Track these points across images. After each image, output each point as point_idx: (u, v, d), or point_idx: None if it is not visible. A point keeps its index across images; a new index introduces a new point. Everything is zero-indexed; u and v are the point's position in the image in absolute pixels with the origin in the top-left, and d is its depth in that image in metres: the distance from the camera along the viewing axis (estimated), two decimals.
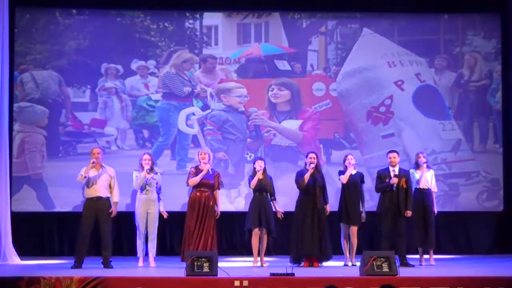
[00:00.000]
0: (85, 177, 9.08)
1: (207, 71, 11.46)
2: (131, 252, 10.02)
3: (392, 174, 9.43)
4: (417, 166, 9.57)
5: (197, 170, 9.35)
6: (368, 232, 10.63)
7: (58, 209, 11.02)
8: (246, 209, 9.68)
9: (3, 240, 9.89)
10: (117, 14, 11.38)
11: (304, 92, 11.46)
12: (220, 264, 8.14)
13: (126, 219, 9.98)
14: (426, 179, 9.54)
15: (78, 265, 9.00)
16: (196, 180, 9.28)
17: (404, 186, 9.40)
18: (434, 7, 11.56)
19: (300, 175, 9.42)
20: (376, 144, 11.35)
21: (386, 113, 11.44)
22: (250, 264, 9.48)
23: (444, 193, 11.28)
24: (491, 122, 11.65)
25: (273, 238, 9.60)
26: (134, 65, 11.38)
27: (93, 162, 9.12)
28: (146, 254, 9.37)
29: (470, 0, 11.57)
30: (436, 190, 9.80)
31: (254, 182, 9.38)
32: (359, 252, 9.00)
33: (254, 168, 9.46)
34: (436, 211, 9.66)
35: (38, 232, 11.08)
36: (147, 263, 9.30)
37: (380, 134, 11.40)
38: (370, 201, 10.31)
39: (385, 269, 8.00)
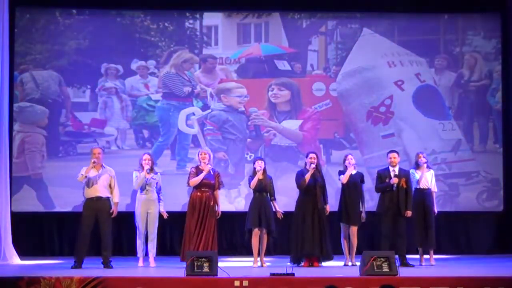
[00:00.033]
0: (86, 177, 9.09)
1: (207, 71, 11.46)
2: (131, 252, 10.02)
3: (392, 174, 9.43)
4: (417, 166, 9.57)
5: (198, 170, 9.35)
6: (368, 232, 10.63)
7: (58, 209, 11.02)
8: (246, 209, 9.68)
9: (3, 240, 9.89)
10: (117, 14, 11.39)
11: (304, 92, 11.46)
12: (220, 264, 8.14)
13: (126, 219, 9.98)
14: (426, 179, 9.54)
15: (78, 265, 9.00)
16: (197, 180, 9.28)
17: (404, 186, 9.40)
18: (434, 7, 11.56)
19: (300, 175, 9.42)
20: (376, 144, 11.35)
21: (386, 113, 11.44)
22: (250, 264, 9.48)
23: (444, 193, 11.28)
24: (491, 122, 11.65)
25: (273, 238, 9.60)
26: (134, 65, 11.38)
27: (94, 162, 9.13)
28: (146, 254, 9.37)
29: (470, 0, 11.57)
30: (436, 190, 9.80)
31: (254, 182, 9.38)
32: (359, 252, 9.00)
33: (254, 168, 9.46)
34: (436, 211, 9.67)
35: (38, 232, 11.08)
36: (147, 263, 9.30)
37: (380, 134, 11.40)
38: (370, 201, 10.31)
39: (385, 269, 8.00)
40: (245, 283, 7.68)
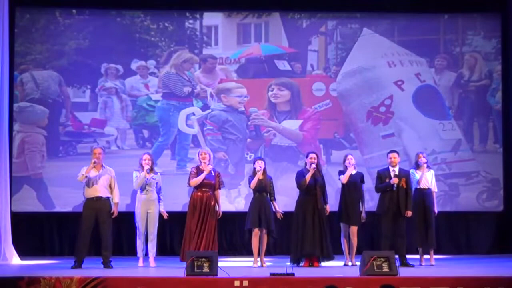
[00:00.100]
0: (86, 176, 9.09)
1: (207, 71, 11.46)
2: (131, 252, 10.02)
3: (392, 174, 9.43)
4: (417, 166, 9.57)
5: (198, 170, 9.36)
6: (368, 232, 10.64)
7: (58, 209, 11.02)
8: (246, 209, 9.68)
9: (3, 240, 9.89)
10: (117, 14, 11.38)
11: (304, 92, 11.46)
12: (220, 264, 8.14)
13: (126, 219, 9.98)
14: (427, 179, 9.55)
15: (78, 265, 9.00)
16: (197, 180, 9.28)
17: (404, 186, 9.40)
18: (434, 7, 11.56)
19: (300, 175, 9.42)
20: (376, 144, 11.35)
21: (386, 113, 11.44)
22: (250, 264, 9.48)
23: (444, 193, 11.28)
24: (491, 122, 11.65)
25: (273, 238, 9.60)
26: (134, 65, 11.38)
27: (95, 162, 9.13)
28: (146, 254, 9.37)
29: (470, 0, 11.56)
30: (436, 190, 9.80)
31: (254, 182, 9.38)
32: (359, 252, 9.00)
33: (254, 168, 9.46)
34: (436, 211, 9.67)
35: (38, 232, 11.08)
36: (147, 263, 9.30)
37: (380, 134, 11.40)
38: (370, 201, 10.31)
39: (385, 269, 8.00)
40: (245, 283, 7.69)
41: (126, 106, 11.37)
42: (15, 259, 9.95)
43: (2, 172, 10.02)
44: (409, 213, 9.40)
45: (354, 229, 9.55)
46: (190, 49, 11.46)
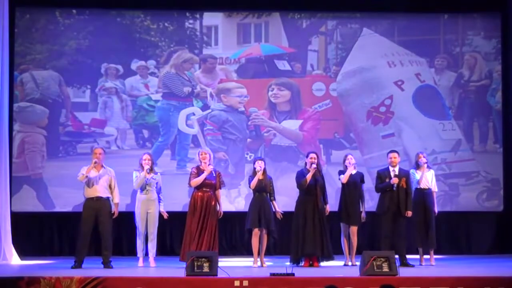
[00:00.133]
0: (86, 176, 9.09)
1: (207, 71, 11.46)
2: (131, 252, 10.03)
3: (392, 174, 9.44)
4: (417, 166, 9.57)
5: (198, 171, 9.36)
6: (368, 232, 10.64)
7: (58, 209, 11.02)
8: (246, 209, 9.68)
9: (3, 240, 9.89)
10: (117, 14, 11.38)
11: (304, 92, 11.46)
12: (220, 264, 8.14)
13: (126, 219, 9.97)
14: (427, 179, 9.55)
15: (78, 265, 9.00)
16: (198, 181, 9.28)
17: (404, 186, 9.40)
18: (434, 7, 11.56)
19: (301, 175, 9.42)
20: (376, 144, 11.35)
21: (386, 113, 11.44)
22: (250, 264, 9.48)
23: (444, 193, 11.28)
24: (491, 122, 11.64)
25: (273, 238, 9.59)
26: (134, 65, 11.38)
27: (95, 162, 9.13)
28: (146, 254, 9.37)
29: (470, 0, 11.56)
30: (436, 190, 9.81)
31: (254, 182, 9.38)
32: (359, 252, 9.00)
33: (254, 168, 9.46)
34: (436, 211, 9.67)
35: (38, 232, 11.08)
36: (147, 263, 9.30)
37: (380, 134, 11.40)
38: (370, 201, 10.31)
39: (385, 269, 8.01)
40: (245, 283, 7.69)
41: (126, 106, 11.37)
42: (15, 259, 9.95)
43: (2, 172, 10.02)
44: (409, 213, 9.40)
45: (354, 229, 9.55)
46: (190, 49, 11.45)
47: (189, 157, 11.18)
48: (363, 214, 9.58)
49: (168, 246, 11.03)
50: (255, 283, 7.72)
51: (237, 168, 11.26)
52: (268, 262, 9.59)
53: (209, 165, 9.33)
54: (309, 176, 9.31)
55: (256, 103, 11.40)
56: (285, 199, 10.30)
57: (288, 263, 9.29)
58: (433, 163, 10.92)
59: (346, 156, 9.70)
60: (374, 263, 8.02)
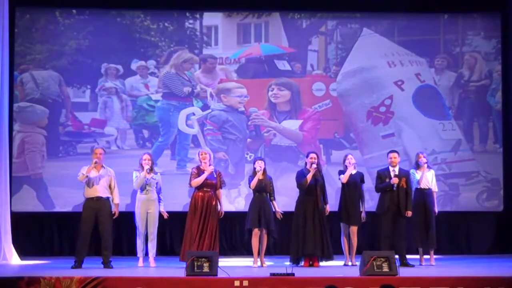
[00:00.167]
0: (86, 176, 9.09)
1: (207, 71, 11.46)
2: (131, 252, 10.03)
3: (392, 174, 9.44)
4: (417, 166, 9.58)
5: (199, 171, 9.36)
6: (368, 232, 10.64)
7: (58, 209, 11.01)
8: (246, 209, 9.68)
9: (3, 240, 9.89)
10: (117, 14, 11.38)
11: (304, 92, 11.46)
12: (220, 264, 8.14)
13: (126, 219, 9.97)
14: (427, 179, 9.55)
15: (78, 265, 9.00)
16: (199, 181, 9.28)
17: (404, 186, 9.41)
18: (434, 7, 11.56)
19: (301, 175, 9.42)
20: (376, 144, 11.35)
21: (386, 113, 11.43)
22: (250, 264, 9.48)
23: (444, 193, 11.28)
24: (491, 122, 11.64)
25: (273, 238, 9.60)
26: (134, 65, 11.38)
27: (96, 162, 9.13)
28: (146, 254, 9.37)
29: (470, 0, 11.56)
30: (436, 190, 9.81)
31: (254, 182, 9.39)
32: (359, 252, 9.01)
33: (254, 168, 9.46)
34: (437, 211, 9.66)
35: (38, 232, 11.08)
36: (147, 263, 9.30)
37: (380, 134, 11.40)
38: (370, 201, 10.31)
39: (385, 269, 8.01)
40: (245, 283, 7.69)
41: (126, 106, 11.37)
42: (15, 259, 9.95)
43: (2, 172, 10.02)
44: (409, 213, 9.40)
45: (354, 229, 9.55)
46: (190, 49, 11.45)
47: (189, 157, 11.18)
48: (363, 214, 9.58)
49: (168, 246, 11.03)
50: (255, 283, 7.72)
51: (237, 168, 11.26)
52: (268, 262, 9.59)
53: (210, 165, 9.34)
54: (309, 176, 9.31)
55: (256, 103, 11.40)
56: (285, 199, 10.30)
57: (288, 263, 9.29)
58: (433, 163, 10.92)
59: (346, 156, 9.70)
60: (374, 263, 8.02)
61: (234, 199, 11.19)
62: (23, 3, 11.06)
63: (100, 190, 9.14)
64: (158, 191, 9.39)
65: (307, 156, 9.53)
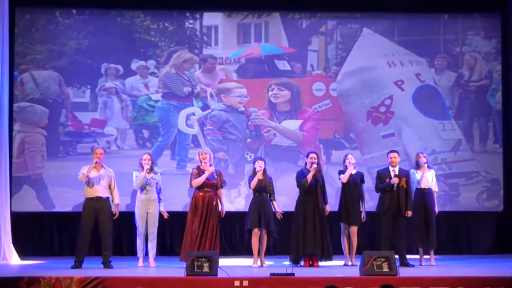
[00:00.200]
0: (87, 176, 9.08)
1: (207, 71, 11.46)
2: (131, 252, 10.03)
3: (392, 174, 9.44)
4: (417, 166, 9.58)
5: (199, 171, 9.36)
6: (368, 232, 10.64)
7: (58, 209, 11.01)
8: (246, 209, 9.68)
9: (3, 240, 9.89)
10: (117, 14, 11.38)
11: (304, 92, 11.46)
12: (220, 264, 8.14)
13: (126, 219, 9.97)
14: (427, 179, 9.55)
15: (78, 265, 9.01)
16: (199, 181, 9.28)
17: (404, 186, 9.41)
18: (434, 7, 11.56)
19: (301, 175, 9.41)
20: (376, 144, 11.34)
21: (386, 113, 11.43)
22: (250, 264, 9.48)
23: (444, 193, 11.28)
24: (491, 122, 11.64)
25: (273, 238, 9.60)
26: (134, 65, 11.38)
27: (96, 162, 9.13)
28: (146, 254, 9.37)
29: (470, 0, 11.56)
30: (437, 190, 9.81)
31: (254, 182, 9.39)
32: (359, 252, 9.01)
33: (254, 168, 9.46)
34: (437, 211, 9.66)
35: (38, 232, 11.07)
36: (147, 263, 9.30)
37: (380, 134, 11.40)
38: (370, 201, 10.31)
39: (385, 269, 8.01)
40: (245, 283, 7.69)
41: (126, 106, 11.37)
42: (15, 259, 9.95)
43: (2, 172, 10.02)
44: (409, 213, 9.40)
45: (354, 229, 9.55)
46: (190, 49, 11.45)
47: (189, 157, 11.18)
48: (363, 214, 9.59)
49: (168, 246, 11.03)
50: (255, 283, 7.72)
51: (237, 168, 11.26)
52: (268, 262, 9.60)
53: (210, 165, 9.34)
54: (310, 176, 9.30)
55: (256, 103, 11.40)
56: (285, 199, 10.30)
57: (287, 263, 9.29)
58: (433, 163, 10.92)
59: (346, 156, 9.70)
60: (374, 263, 8.02)
61: (234, 199, 11.19)
62: (23, 3, 11.06)
63: (100, 190, 9.14)
64: (158, 191, 9.39)
65: (307, 156, 9.53)
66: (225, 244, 10.99)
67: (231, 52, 11.49)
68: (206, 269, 7.95)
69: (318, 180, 9.40)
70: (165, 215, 9.48)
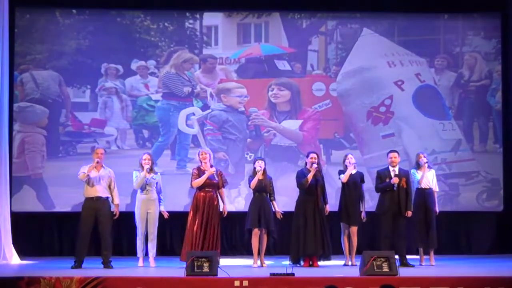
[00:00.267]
0: (87, 175, 9.08)
1: (207, 71, 11.46)
2: (131, 252, 10.02)
3: (392, 174, 9.44)
4: (418, 166, 9.58)
5: (199, 171, 9.36)
6: (368, 232, 10.63)
7: (58, 209, 11.01)
8: (246, 209, 9.68)
9: (3, 240, 9.89)
10: (117, 14, 11.38)
11: (304, 92, 11.46)
12: (220, 264, 8.14)
13: (126, 219, 9.96)
14: (428, 179, 9.55)
15: (78, 265, 9.01)
16: (200, 181, 9.28)
17: (405, 186, 9.41)
18: (434, 7, 11.56)
19: (301, 175, 9.41)
20: (376, 144, 11.34)
21: (386, 113, 11.43)
22: (250, 264, 9.48)
23: (444, 193, 11.28)
24: (491, 122, 11.64)
25: (273, 238, 9.60)
26: (134, 65, 11.38)
27: (97, 162, 9.13)
28: (146, 254, 9.37)
29: (470, 0, 11.56)
30: (437, 189, 9.81)
31: (254, 182, 9.39)
32: (359, 252, 9.01)
33: (254, 168, 9.46)
34: (437, 211, 9.66)
35: (38, 232, 11.07)
36: (147, 263, 9.30)
37: (380, 134, 11.40)
38: (370, 201, 10.30)
39: (385, 269, 8.01)
40: (245, 283, 7.69)
41: (126, 106, 11.37)
42: (15, 259, 9.96)
43: (2, 172, 10.02)
44: (409, 213, 9.40)
45: (354, 229, 9.55)
46: (190, 49, 11.45)
47: (189, 157, 11.18)
48: (363, 214, 9.59)
49: (168, 246, 11.02)
50: (255, 283, 7.72)
51: (237, 168, 11.26)
52: (268, 262, 9.60)
53: (211, 166, 9.34)
54: (310, 176, 9.30)
55: (256, 103, 11.40)
56: (285, 199, 10.30)
57: (287, 262, 9.30)
58: (433, 163, 10.91)
59: (346, 155, 9.71)
60: (374, 263, 8.02)
61: (234, 199, 11.19)
62: (23, 3, 11.06)
63: (100, 190, 9.14)
64: (158, 191, 9.40)
65: (307, 156, 9.53)
66: (225, 244, 10.98)
67: (231, 52, 11.49)
68: (206, 269, 7.95)
69: (318, 180, 9.40)
70: (165, 215, 9.48)
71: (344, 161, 9.66)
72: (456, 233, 11.46)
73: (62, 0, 11.30)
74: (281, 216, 9.58)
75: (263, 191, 9.42)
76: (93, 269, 8.84)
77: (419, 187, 9.53)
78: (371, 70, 11.48)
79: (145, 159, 9.31)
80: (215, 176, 9.38)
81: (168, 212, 9.54)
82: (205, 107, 11.39)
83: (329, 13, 11.62)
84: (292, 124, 11.40)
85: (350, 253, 9.60)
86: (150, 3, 11.36)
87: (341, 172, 9.61)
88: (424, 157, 9.56)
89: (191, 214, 9.33)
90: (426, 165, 9.55)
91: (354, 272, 8.38)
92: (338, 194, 9.81)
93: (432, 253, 9.58)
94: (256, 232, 9.37)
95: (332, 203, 9.67)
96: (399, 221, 9.40)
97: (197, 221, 9.23)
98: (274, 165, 11.06)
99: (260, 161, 9.50)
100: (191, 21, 11.53)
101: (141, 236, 9.32)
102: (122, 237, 10.83)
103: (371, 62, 11.49)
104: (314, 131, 11.42)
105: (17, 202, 10.80)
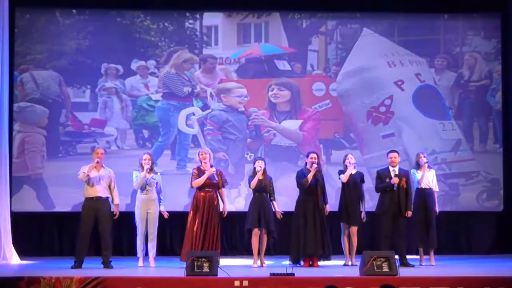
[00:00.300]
0: (87, 175, 9.08)
1: (207, 71, 11.46)
2: (131, 252, 10.02)
3: (392, 174, 9.44)
4: (418, 166, 9.58)
5: (199, 171, 9.36)
6: (368, 232, 10.63)
7: (58, 209, 11.01)
8: (246, 209, 9.68)
9: (3, 240, 9.89)
10: (117, 14, 11.38)
11: (304, 92, 11.46)
12: (220, 264, 8.14)
13: (126, 219, 9.96)
14: (428, 179, 9.54)
15: (78, 265, 9.01)
16: (200, 181, 9.28)
17: (405, 186, 9.41)
18: (434, 7, 11.56)
19: (301, 175, 9.41)
20: (376, 144, 11.34)
21: (386, 113, 11.43)
22: (250, 264, 9.48)
23: (444, 193, 11.27)
24: (491, 122, 11.64)
25: (273, 238, 9.60)
26: (134, 65, 11.38)
27: (97, 162, 9.13)
28: (146, 254, 9.37)
29: (470, 0, 11.56)
30: (437, 189, 9.81)
31: (254, 182, 9.39)
32: (359, 252, 9.01)
33: (254, 168, 9.46)
34: (437, 211, 9.66)
35: (38, 232, 11.07)
36: (147, 263, 9.30)
37: (380, 134, 11.40)
38: (370, 201, 10.30)
39: (385, 269, 8.01)
40: (245, 283, 7.69)
41: (126, 106, 11.37)
42: (15, 259, 9.96)
43: (2, 172, 10.02)
44: (409, 213, 9.40)
45: (354, 229, 9.55)
46: (190, 49, 11.45)
47: (189, 157, 11.18)
48: (363, 214, 9.59)
49: (168, 246, 11.03)
50: (255, 283, 7.72)
51: (237, 168, 11.26)
52: (268, 262, 9.60)
53: (211, 166, 9.35)
54: (310, 176, 9.30)
55: (256, 103, 11.40)
56: (285, 199, 10.30)
57: (287, 262, 9.30)
58: (433, 163, 10.91)
59: (346, 155, 9.71)
60: (374, 263, 8.02)
61: (234, 199, 11.19)
62: (23, 3, 11.06)
63: (100, 190, 9.14)
64: (158, 191, 9.39)
65: (307, 156, 9.53)
66: (225, 244, 10.99)
67: (231, 52, 11.49)
68: (206, 269, 7.95)
69: (318, 180, 9.40)
70: (166, 215, 9.48)
71: (344, 161, 9.66)
72: (456, 233, 11.46)
73: (62, 0, 11.29)
74: (281, 216, 9.58)
75: (263, 191, 9.42)
76: (93, 269, 8.84)
77: (419, 187, 9.53)
78: (371, 70, 11.48)
79: (145, 159, 9.31)
80: (215, 176, 9.38)
81: (168, 212, 9.54)
82: (205, 107, 11.39)
83: (329, 13, 11.62)
84: (292, 124, 11.40)
85: (350, 253, 9.60)
86: (150, 3, 11.36)
87: (341, 172, 9.61)
88: (424, 157, 9.56)
89: (191, 214, 9.33)
90: (426, 165, 9.55)
91: (354, 272, 8.38)
92: (338, 194, 9.81)
93: (432, 253, 9.59)
94: (256, 232, 9.37)
95: (332, 203, 9.67)
96: (399, 221, 9.40)
97: (197, 221, 9.23)
98: (274, 165, 11.06)
99: (260, 161, 9.50)
100: (191, 21, 11.53)
101: (141, 236, 9.32)
102: (122, 237, 10.83)
103: (371, 62, 11.50)
104: (314, 131, 11.42)
105: (17, 202, 10.80)
